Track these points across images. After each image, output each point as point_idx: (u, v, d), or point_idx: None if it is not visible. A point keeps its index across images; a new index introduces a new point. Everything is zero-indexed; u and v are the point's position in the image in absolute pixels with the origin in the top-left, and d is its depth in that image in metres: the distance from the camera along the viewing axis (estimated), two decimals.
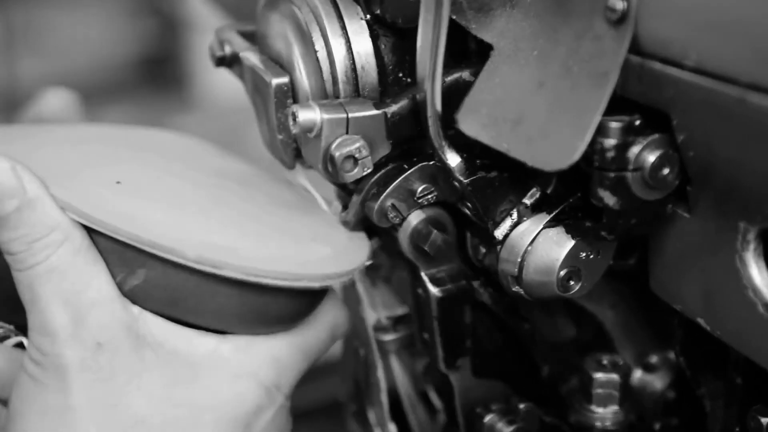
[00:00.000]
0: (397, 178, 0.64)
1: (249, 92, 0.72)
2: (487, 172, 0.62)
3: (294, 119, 0.62)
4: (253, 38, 0.73)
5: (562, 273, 0.61)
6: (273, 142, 0.69)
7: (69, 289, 0.60)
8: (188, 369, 0.62)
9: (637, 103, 0.53)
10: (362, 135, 0.63)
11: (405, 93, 0.63)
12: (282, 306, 0.64)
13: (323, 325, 0.67)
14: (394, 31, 0.64)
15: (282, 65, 0.67)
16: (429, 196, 0.65)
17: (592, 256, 0.61)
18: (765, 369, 0.54)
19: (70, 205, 0.61)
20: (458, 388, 0.71)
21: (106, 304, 0.61)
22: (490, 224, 0.62)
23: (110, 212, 0.62)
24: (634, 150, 0.53)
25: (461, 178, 0.62)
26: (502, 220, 0.62)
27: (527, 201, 0.62)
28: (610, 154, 0.53)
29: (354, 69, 0.64)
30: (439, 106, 0.61)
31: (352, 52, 0.64)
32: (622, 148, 0.53)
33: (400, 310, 0.75)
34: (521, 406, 0.70)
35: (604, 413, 0.70)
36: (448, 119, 0.61)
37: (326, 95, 0.64)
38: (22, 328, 0.65)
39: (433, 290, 0.67)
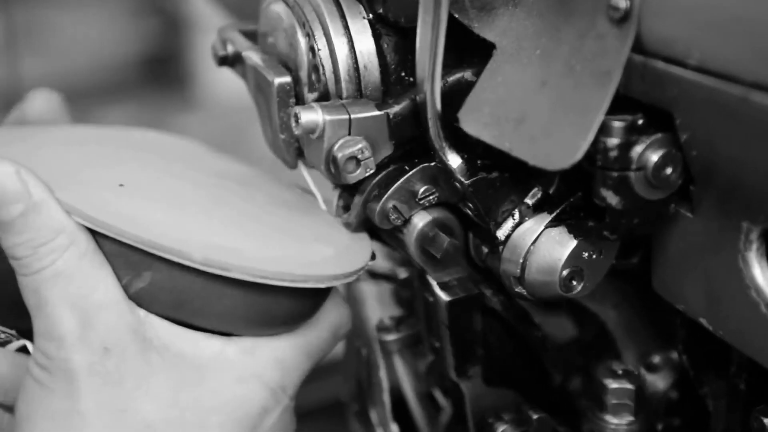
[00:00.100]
0: (398, 180, 0.64)
1: (251, 92, 0.72)
2: (489, 172, 0.62)
3: (296, 121, 0.62)
4: (255, 37, 0.73)
5: (565, 273, 0.60)
6: (275, 142, 0.68)
7: (75, 293, 0.60)
8: (194, 372, 0.62)
9: (640, 102, 0.53)
10: (365, 136, 0.63)
11: (407, 93, 0.63)
12: (287, 307, 0.64)
13: (326, 326, 0.67)
14: (396, 31, 0.64)
15: (284, 64, 0.67)
16: (430, 197, 0.64)
17: (594, 256, 0.61)
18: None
19: (75, 209, 0.61)
20: (469, 396, 0.70)
21: (113, 307, 0.61)
22: (491, 225, 0.62)
23: (114, 215, 0.61)
24: (637, 149, 0.53)
25: (462, 179, 0.62)
26: (504, 220, 0.62)
27: (529, 201, 0.62)
28: (613, 154, 0.53)
29: (357, 68, 0.64)
30: (438, 107, 0.60)
31: (354, 52, 0.64)
32: (625, 147, 0.53)
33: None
34: (534, 416, 0.69)
35: (618, 424, 0.68)
36: (450, 119, 0.61)
37: (329, 95, 0.64)
38: (24, 333, 0.65)
39: (443, 297, 0.67)
